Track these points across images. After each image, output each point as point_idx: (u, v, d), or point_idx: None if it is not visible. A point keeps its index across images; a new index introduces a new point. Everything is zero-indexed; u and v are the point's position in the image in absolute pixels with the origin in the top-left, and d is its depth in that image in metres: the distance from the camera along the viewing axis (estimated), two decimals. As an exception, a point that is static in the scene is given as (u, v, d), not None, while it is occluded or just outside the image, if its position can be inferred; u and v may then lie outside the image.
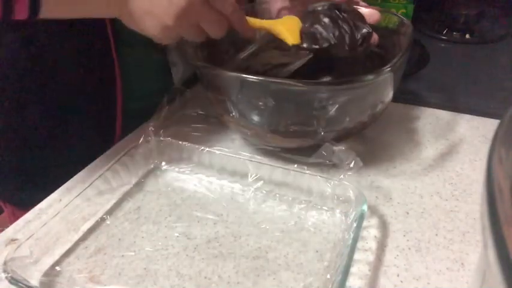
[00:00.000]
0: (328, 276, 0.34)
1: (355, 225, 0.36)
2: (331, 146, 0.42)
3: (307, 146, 0.46)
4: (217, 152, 0.46)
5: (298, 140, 0.47)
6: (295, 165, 0.43)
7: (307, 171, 0.42)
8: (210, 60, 0.52)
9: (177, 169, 0.49)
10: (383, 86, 0.44)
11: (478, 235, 0.39)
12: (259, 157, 0.48)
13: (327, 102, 0.42)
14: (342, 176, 0.41)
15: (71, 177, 0.48)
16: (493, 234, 0.15)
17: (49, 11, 0.39)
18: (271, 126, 0.46)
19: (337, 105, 0.42)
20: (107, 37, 0.51)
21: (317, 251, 0.37)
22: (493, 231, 0.15)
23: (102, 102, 0.56)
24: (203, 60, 0.50)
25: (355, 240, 0.35)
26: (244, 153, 0.47)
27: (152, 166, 0.50)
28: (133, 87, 0.58)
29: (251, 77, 0.41)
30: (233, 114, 0.46)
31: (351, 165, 0.41)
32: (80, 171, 0.49)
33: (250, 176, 0.45)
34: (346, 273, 0.32)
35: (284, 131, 0.45)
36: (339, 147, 0.42)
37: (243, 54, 0.59)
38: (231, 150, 0.46)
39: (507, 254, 0.14)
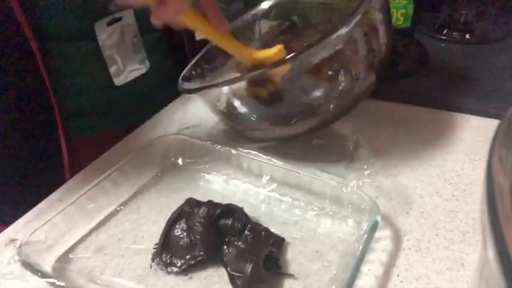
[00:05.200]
0: (334, 287, 0.33)
1: (366, 237, 0.35)
2: (354, 137, 0.42)
3: (312, 129, 0.46)
4: (233, 151, 0.46)
5: (302, 123, 0.46)
6: (311, 170, 0.42)
7: (322, 177, 0.41)
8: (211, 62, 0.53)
9: (193, 166, 0.49)
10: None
11: (478, 235, 0.39)
12: (275, 159, 0.46)
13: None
14: (359, 175, 0.41)
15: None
16: (492, 234, 0.15)
17: None
18: (271, 120, 0.46)
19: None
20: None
21: (327, 260, 0.37)
22: (492, 231, 0.15)
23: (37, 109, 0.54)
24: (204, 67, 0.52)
25: (363, 252, 0.34)
26: (259, 154, 0.46)
27: (169, 162, 0.50)
28: (65, 84, 0.55)
29: (222, 82, 0.41)
30: (236, 119, 0.47)
31: (366, 170, 0.41)
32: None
33: (265, 178, 0.45)
34: (350, 285, 0.32)
35: (284, 117, 0.45)
36: (363, 142, 0.41)
37: None
38: (248, 150, 0.46)
39: (507, 254, 0.14)
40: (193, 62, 0.55)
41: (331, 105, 0.44)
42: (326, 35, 0.38)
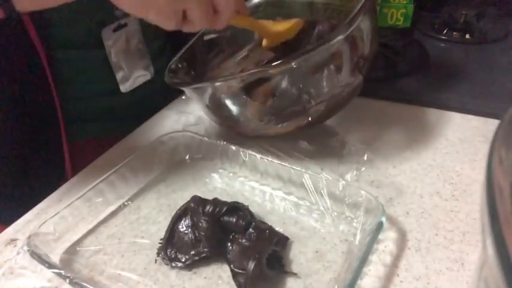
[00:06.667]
0: (336, 287, 0.33)
1: (369, 238, 0.35)
2: (342, 137, 0.42)
3: (306, 127, 0.46)
4: (240, 149, 0.46)
5: (293, 122, 0.46)
6: (316, 170, 0.42)
7: (327, 177, 0.41)
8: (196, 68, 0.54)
9: (200, 163, 0.50)
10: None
11: (478, 235, 0.39)
12: (278, 159, 0.46)
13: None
14: (355, 171, 0.41)
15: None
16: (492, 234, 0.15)
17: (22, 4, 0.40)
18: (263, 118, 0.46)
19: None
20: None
21: (327, 261, 0.37)
22: (492, 231, 0.15)
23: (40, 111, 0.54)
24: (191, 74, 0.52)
25: (367, 253, 0.34)
26: (266, 153, 0.46)
27: (176, 159, 0.51)
28: (71, 90, 0.56)
29: (219, 79, 0.42)
30: (234, 119, 0.46)
31: (364, 158, 0.41)
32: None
33: (270, 176, 0.45)
34: (352, 286, 0.31)
35: (277, 116, 0.45)
36: (351, 139, 0.42)
37: (236, 59, 0.60)
38: (254, 149, 0.46)
39: (507, 254, 0.14)
40: (179, 54, 0.55)
41: (322, 106, 0.44)
42: (324, 41, 0.39)
